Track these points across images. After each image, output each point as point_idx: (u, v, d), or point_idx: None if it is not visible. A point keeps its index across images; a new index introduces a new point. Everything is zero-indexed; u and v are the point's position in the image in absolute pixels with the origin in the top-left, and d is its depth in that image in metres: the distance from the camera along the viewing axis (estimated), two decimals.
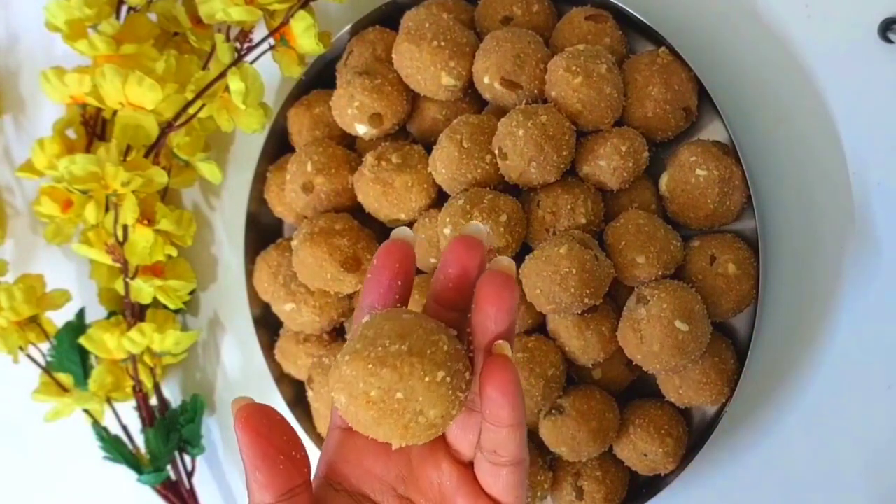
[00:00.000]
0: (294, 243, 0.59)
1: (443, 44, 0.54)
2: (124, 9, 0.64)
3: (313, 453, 0.39)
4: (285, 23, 0.58)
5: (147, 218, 0.63)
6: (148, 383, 0.68)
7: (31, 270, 0.70)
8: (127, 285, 0.64)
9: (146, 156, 0.62)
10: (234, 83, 0.57)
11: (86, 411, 0.69)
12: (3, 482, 0.82)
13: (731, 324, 0.55)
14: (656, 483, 0.55)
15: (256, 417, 0.35)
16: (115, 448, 0.69)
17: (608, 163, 0.52)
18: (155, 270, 0.66)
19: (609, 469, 0.55)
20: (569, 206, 0.52)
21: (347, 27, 0.61)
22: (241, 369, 0.71)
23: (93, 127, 0.67)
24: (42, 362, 0.69)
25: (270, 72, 0.60)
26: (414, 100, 0.58)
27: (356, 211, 0.59)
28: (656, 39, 0.54)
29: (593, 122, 0.52)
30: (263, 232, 0.65)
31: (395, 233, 0.37)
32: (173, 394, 0.73)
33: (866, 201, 0.52)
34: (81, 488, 0.78)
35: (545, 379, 0.52)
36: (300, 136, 0.62)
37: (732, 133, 0.52)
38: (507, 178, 0.53)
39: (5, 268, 0.71)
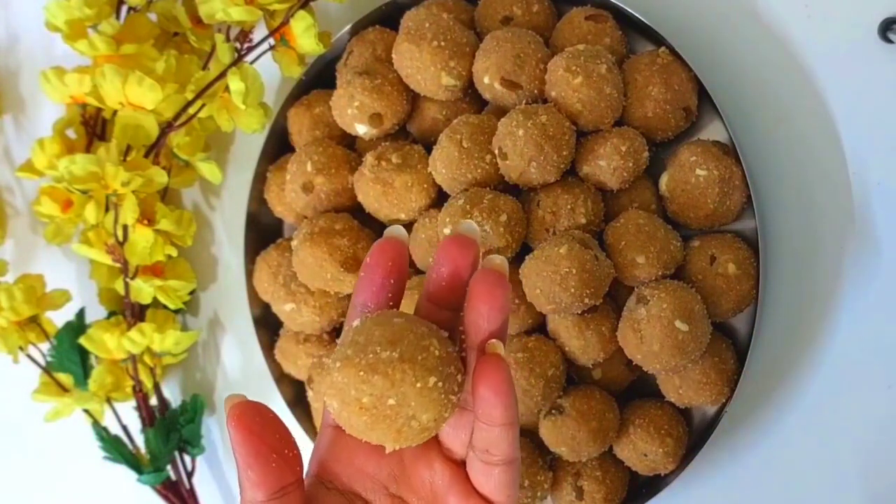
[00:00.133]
0: (294, 243, 0.59)
1: (443, 44, 0.54)
2: (124, 9, 0.64)
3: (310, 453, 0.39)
4: (285, 23, 0.58)
5: (147, 218, 0.63)
6: (148, 383, 0.68)
7: (31, 270, 0.70)
8: (127, 285, 0.64)
9: (146, 156, 0.62)
10: (234, 83, 0.57)
11: (86, 411, 0.69)
12: (3, 482, 0.82)
13: (731, 324, 0.55)
14: (656, 483, 0.55)
15: (249, 415, 0.35)
16: (115, 448, 0.69)
17: (608, 163, 0.52)
18: (155, 270, 0.66)
19: (609, 469, 0.55)
20: (569, 206, 0.52)
21: (347, 27, 0.61)
22: (241, 369, 0.71)
23: (93, 127, 0.67)
24: (42, 362, 0.69)
25: (270, 72, 0.60)
26: (414, 100, 0.58)
27: (356, 211, 0.59)
28: (656, 39, 0.54)
29: (593, 122, 0.52)
30: (263, 232, 0.65)
31: (388, 231, 0.37)
32: (173, 394, 0.73)
33: (866, 201, 0.52)
34: (81, 488, 0.78)
35: (545, 379, 0.52)
36: (300, 136, 0.62)
37: (732, 133, 0.52)
38: (507, 178, 0.53)
39: (5, 268, 0.71)
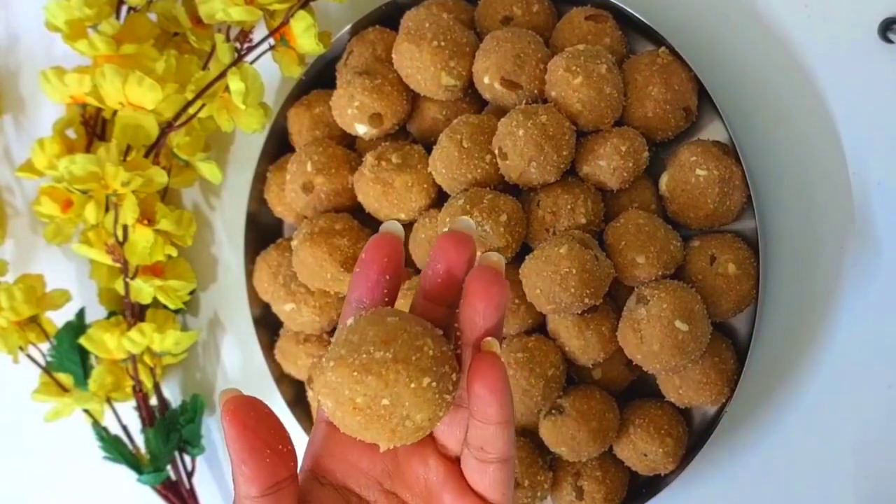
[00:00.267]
0: (294, 243, 0.59)
1: (443, 44, 0.54)
2: (124, 9, 0.64)
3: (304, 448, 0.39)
4: (285, 23, 0.58)
5: (147, 218, 0.63)
6: (148, 383, 0.68)
7: (31, 270, 0.70)
8: (127, 285, 0.64)
9: (146, 156, 0.62)
10: (234, 83, 0.57)
11: (86, 411, 0.69)
12: (3, 482, 0.82)
13: (731, 324, 0.55)
14: (656, 483, 0.55)
15: (244, 410, 0.34)
16: (115, 448, 0.69)
17: (608, 163, 0.52)
18: (155, 270, 0.66)
19: (609, 469, 0.55)
20: (569, 206, 0.52)
21: (347, 27, 0.61)
22: (241, 369, 0.71)
23: (93, 127, 0.67)
24: (42, 362, 0.69)
25: (270, 72, 0.60)
26: (414, 100, 0.58)
27: (356, 211, 0.59)
28: (656, 39, 0.54)
29: (593, 122, 0.52)
30: (263, 232, 0.65)
31: (383, 226, 0.37)
32: (173, 394, 0.73)
33: (866, 201, 0.52)
34: (81, 488, 0.78)
35: (545, 379, 0.52)
36: (300, 136, 0.62)
37: (732, 133, 0.52)
38: (507, 178, 0.53)
39: (5, 268, 0.71)
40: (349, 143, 0.62)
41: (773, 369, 0.55)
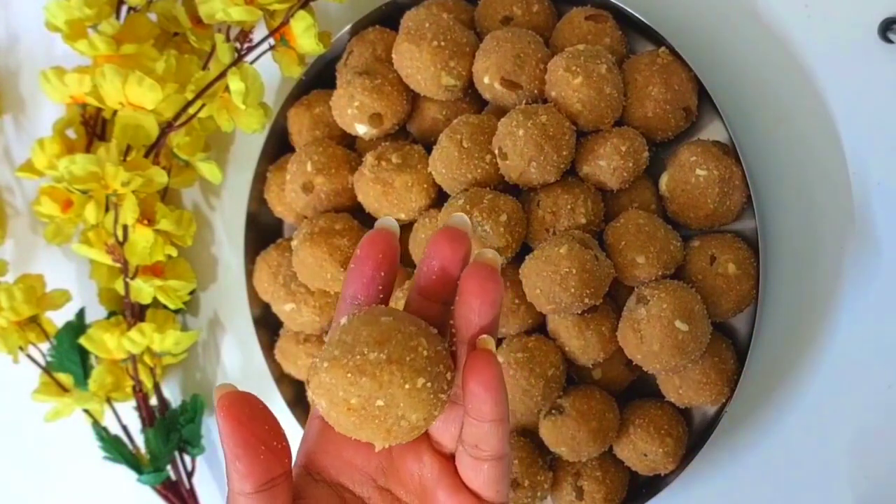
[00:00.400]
0: (294, 243, 0.59)
1: (443, 44, 0.54)
2: (124, 9, 0.64)
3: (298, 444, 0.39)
4: (285, 23, 0.58)
5: (147, 218, 0.63)
6: (148, 383, 0.68)
7: (31, 270, 0.70)
8: (127, 285, 0.64)
9: (146, 156, 0.62)
10: (234, 83, 0.57)
11: (86, 411, 0.69)
12: (3, 482, 0.82)
13: (731, 324, 0.55)
14: (656, 483, 0.55)
15: (239, 406, 0.34)
16: (115, 448, 0.69)
17: (608, 163, 0.52)
18: (155, 270, 0.66)
19: (609, 469, 0.55)
20: (569, 206, 0.52)
21: (347, 27, 0.61)
22: (241, 369, 0.71)
23: (93, 127, 0.67)
24: (42, 362, 0.69)
25: (270, 72, 0.60)
26: (414, 100, 0.58)
27: (356, 211, 0.59)
28: (656, 39, 0.54)
29: (593, 122, 0.52)
30: (263, 232, 0.65)
31: (378, 222, 0.37)
32: (173, 394, 0.73)
33: (866, 201, 0.52)
34: (81, 488, 0.78)
35: (545, 379, 0.52)
36: (300, 136, 0.62)
37: (732, 133, 0.52)
38: (507, 178, 0.53)
39: (5, 268, 0.71)
40: (349, 143, 0.62)
41: (773, 369, 0.55)
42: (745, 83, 0.55)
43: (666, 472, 0.54)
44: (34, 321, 0.69)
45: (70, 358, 0.69)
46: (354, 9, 0.62)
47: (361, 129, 0.58)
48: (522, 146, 0.51)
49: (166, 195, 0.68)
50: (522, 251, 0.53)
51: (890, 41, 0.51)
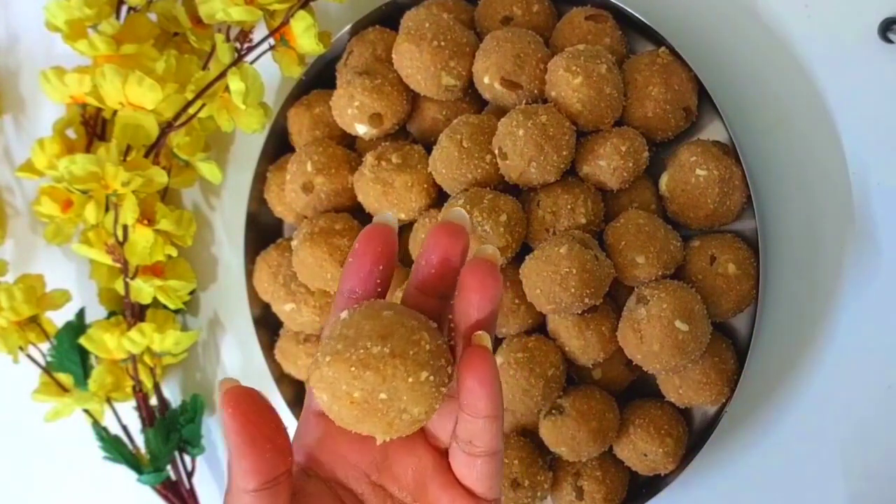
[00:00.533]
0: (294, 243, 0.59)
1: (443, 44, 0.54)
2: (124, 9, 0.64)
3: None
4: (285, 23, 0.58)
5: (147, 218, 0.63)
6: (148, 383, 0.68)
7: (31, 270, 0.70)
8: (127, 285, 0.64)
9: (146, 156, 0.62)
10: (234, 83, 0.57)
11: (86, 411, 0.69)
12: (3, 482, 0.82)
13: (731, 324, 0.55)
14: (656, 483, 0.55)
15: (245, 401, 0.34)
16: (115, 448, 0.69)
17: (608, 163, 0.52)
18: (155, 270, 0.66)
19: (609, 469, 0.55)
20: (569, 206, 0.52)
21: (347, 27, 0.61)
22: (241, 369, 0.71)
23: (93, 127, 0.67)
24: (42, 362, 0.69)
25: (270, 72, 0.60)
26: (414, 100, 0.58)
27: (356, 211, 0.59)
28: (656, 39, 0.54)
29: (593, 122, 0.52)
30: (263, 232, 0.65)
31: (377, 217, 0.37)
32: (173, 394, 0.73)
33: (866, 201, 0.52)
34: (81, 488, 0.78)
35: (545, 379, 0.52)
36: (300, 136, 0.62)
37: (732, 133, 0.52)
38: (507, 178, 0.53)
39: (5, 268, 0.71)
40: (349, 143, 0.62)
41: (773, 369, 0.55)
42: (745, 83, 0.55)
43: (666, 472, 0.54)
44: (34, 321, 0.69)
45: (70, 358, 0.69)
46: (354, 9, 0.62)
47: (361, 129, 0.58)
48: (522, 146, 0.51)
49: (166, 195, 0.68)
50: (522, 251, 0.53)
51: (890, 41, 0.51)
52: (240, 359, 0.71)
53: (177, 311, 0.69)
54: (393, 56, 0.56)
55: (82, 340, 0.67)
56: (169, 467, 0.69)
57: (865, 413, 0.53)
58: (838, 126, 0.53)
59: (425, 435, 0.38)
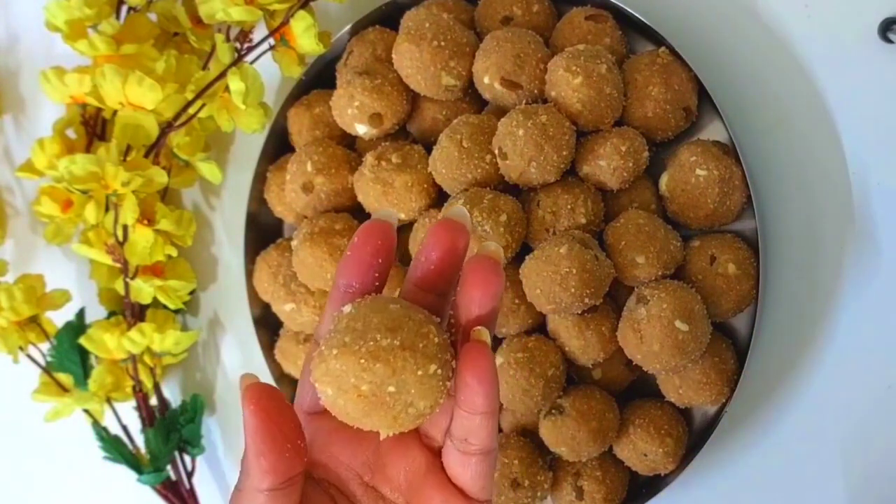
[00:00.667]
0: (294, 243, 0.59)
1: (443, 44, 0.54)
2: (124, 9, 0.64)
3: None
4: (285, 23, 0.58)
5: (147, 218, 0.63)
6: (148, 383, 0.68)
7: (31, 270, 0.70)
8: (127, 285, 0.64)
9: (146, 156, 0.62)
10: (234, 83, 0.57)
11: (86, 411, 0.69)
12: (3, 482, 0.82)
13: (731, 324, 0.55)
14: (656, 483, 0.55)
15: (267, 399, 0.33)
16: (115, 448, 0.69)
17: (608, 163, 0.52)
18: (155, 270, 0.66)
19: (609, 469, 0.55)
20: (569, 206, 0.52)
21: (347, 27, 0.61)
22: (241, 369, 0.71)
23: (93, 127, 0.67)
24: (42, 362, 0.69)
25: (270, 72, 0.60)
26: (414, 100, 0.58)
27: (356, 211, 0.59)
28: (656, 39, 0.54)
29: (593, 122, 0.52)
30: (263, 232, 0.65)
31: (377, 213, 0.37)
32: (173, 394, 0.73)
33: (866, 201, 0.52)
34: (81, 488, 0.78)
35: (545, 379, 0.52)
36: (300, 136, 0.62)
37: (732, 133, 0.52)
38: (507, 178, 0.53)
39: (5, 268, 0.71)
40: (349, 143, 0.62)
41: (773, 369, 0.55)
42: (745, 83, 0.55)
43: (666, 472, 0.54)
44: (34, 321, 0.69)
45: (70, 358, 0.69)
46: (354, 9, 0.62)
47: (361, 129, 0.58)
48: (522, 146, 0.51)
49: (166, 195, 0.68)
50: (522, 251, 0.53)
51: (890, 41, 0.51)
52: (240, 359, 0.71)
53: (177, 311, 0.69)
54: (393, 56, 0.56)
55: (82, 340, 0.67)
56: (169, 467, 0.69)
57: (865, 413, 0.53)
58: (838, 126, 0.53)
59: (420, 433, 0.38)
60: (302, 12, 0.57)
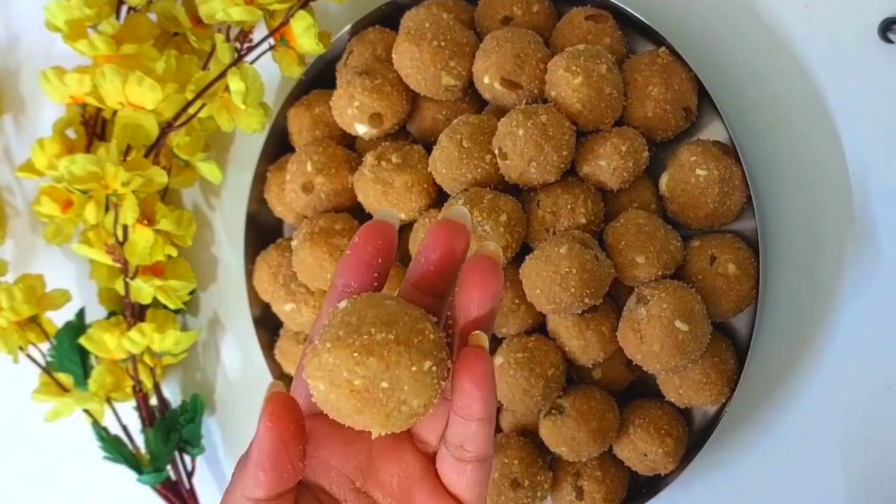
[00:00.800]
0: (294, 243, 0.59)
1: (443, 44, 0.54)
2: (124, 9, 0.64)
3: None
4: (285, 23, 0.58)
5: (147, 218, 0.63)
6: (148, 383, 0.68)
7: (31, 270, 0.70)
8: (127, 285, 0.64)
9: (146, 156, 0.62)
10: (234, 83, 0.57)
11: (86, 411, 0.69)
12: (3, 482, 0.82)
13: (731, 324, 0.55)
14: (656, 483, 0.55)
15: (286, 419, 0.34)
16: (115, 448, 0.69)
17: (608, 163, 0.52)
18: (155, 270, 0.66)
19: (609, 469, 0.55)
20: (569, 206, 0.52)
21: (347, 27, 0.61)
22: (241, 369, 0.71)
23: (93, 127, 0.67)
24: (42, 362, 0.69)
25: (270, 72, 0.60)
26: (414, 100, 0.58)
27: (356, 211, 0.59)
28: (656, 39, 0.54)
29: (593, 122, 0.52)
30: (263, 232, 0.65)
31: (379, 213, 0.36)
32: (173, 394, 0.73)
33: (866, 201, 0.52)
34: (81, 488, 0.78)
35: (545, 379, 0.52)
36: (300, 136, 0.62)
37: (732, 133, 0.52)
38: (507, 178, 0.53)
39: (5, 268, 0.71)
40: (349, 143, 0.62)
41: (773, 369, 0.55)
42: (745, 83, 0.55)
43: (666, 472, 0.54)
44: (34, 321, 0.69)
45: (70, 358, 0.69)
46: (354, 9, 0.62)
47: (361, 129, 0.58)
48: (522, 146, 0.51)
49: (166, 195, 0.68)
50: (522, 251, 0.53)
51: (890, 41, 0.51)
52: (240, 359, 0.71)
53: (177, 311, 0.69)
54: (393, 56, 0.56)
55: (82, 340, 0.67)
56: (169, 467, 0.69)
57: (865, 413, 0.53)
58: (838, 126, 0.53)
59: (413, 438, 0.37)
60: (302, 12, 0.57)
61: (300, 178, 0.59)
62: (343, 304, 0.34)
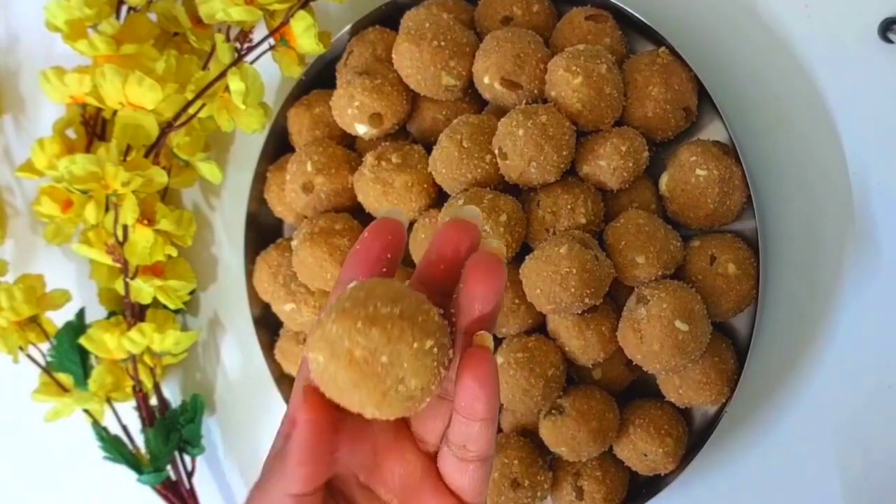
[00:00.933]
0: (294, 243, 0.59)
1: (443, 44, 0.54)
2: (124, 9, 0.64)
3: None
4: (285, 23, 0.58)
5: (147, 218, 0.63)
6: (148, 383, 0.68)
7: (31, 270, 0.70)
8: (127, 285, 0.64)
9: (146, 156, 0.62)
10: (234, 83, 0.57)
11: (86, 411, 0.69)
12: (3, 482, 0.82)
13: (731, 324, 0.55)
14: (656, 483, 0.55)
15: (325, 411, 0.33)
16: (115, 448, 0.69)
17: (608, 163, 0.52)
18: (155, 270, 0.66)
19: (609, 469, 0.55)
20: (569, 206, 0.52)
21: (347, 27, 0.61)
22: (241, 369, 0.71)
23: (93, 127, 0.67)
24: (42, 362, 0.69)
25: (270, 72, 0.60)
26: (414, 100, 0.58)
27: (356, 211, 0.59)
28: (656, 39, 0.54)
29: (593, 122, 0.52)
30: (263, 232, 0.65)
31: (386, 211, 0.36)
32: (173, 394, 0.73)
33: (866, 201, 0.52)
34: (81, 488, 0.78)
35: (545, 379, 0.52)
36: (300, 136, 0.62)
37: (732, 133, 0.52)
38: (507, 178, 0.53)
39: (5, 268, 0.71)
40: (349, 143, 0.62)
41: (773, 369, 0.55)
42: (745, 83, 0.55)
43: (666, 472, 0.54)
44: (34, 321, 0.69)
45: (70, 358, 0.69)
46: (354, 9, 0.62)
47: (361, 129, 0.58)
48: (522, 146, 0.51)
49: (166, 195, 0.68)
50: (522, 251, 0.53)
51: (890, 41, 0.51)
52: (240, 359, 0.71)
53: (177, 311, 0.69)
54: (393, 56, 0.56)
55: (82, 340, 0.67)
56: (169, 467, 0.69)
57: (866, 413, 0.53)
58: (838, 126, 0.53)
59: (414, 438, 0.37)
60: (302, 12, 0.57)
61: (300, 178, 0.59)
62: (352, 284, 0.34)
